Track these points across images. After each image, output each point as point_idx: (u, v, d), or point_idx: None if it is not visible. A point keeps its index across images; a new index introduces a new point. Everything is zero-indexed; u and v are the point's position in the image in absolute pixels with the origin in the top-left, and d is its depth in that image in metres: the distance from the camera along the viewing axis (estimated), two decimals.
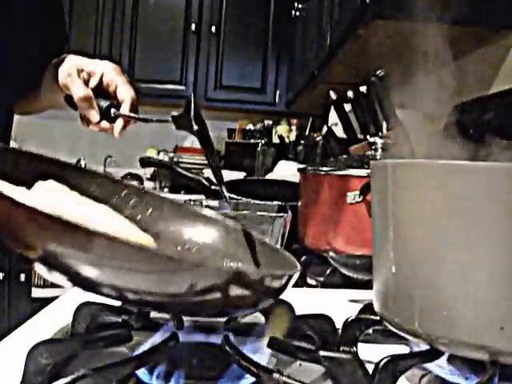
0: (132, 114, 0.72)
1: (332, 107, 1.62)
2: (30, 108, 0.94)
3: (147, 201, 0.59)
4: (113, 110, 0.72)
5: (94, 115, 0.72)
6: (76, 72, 0.73)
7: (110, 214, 0.54)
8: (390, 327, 0.46)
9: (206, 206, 0.62)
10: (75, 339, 0.46)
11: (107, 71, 0.73)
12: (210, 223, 0.58)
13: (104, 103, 0.73)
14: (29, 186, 0.54)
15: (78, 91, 0.72)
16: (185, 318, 0.50)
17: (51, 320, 0.58)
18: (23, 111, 0.93)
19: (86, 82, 0.73)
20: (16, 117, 0.87)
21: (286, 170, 1.66)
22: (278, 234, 0.60)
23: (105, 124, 0.73)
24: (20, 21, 0.78)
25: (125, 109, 0.72)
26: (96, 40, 3.10)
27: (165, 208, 0.59)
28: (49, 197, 0.52)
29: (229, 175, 1.57)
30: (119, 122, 0.72)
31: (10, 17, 0.76)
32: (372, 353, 0.47)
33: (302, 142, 2.56)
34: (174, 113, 0.61)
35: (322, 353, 0.42)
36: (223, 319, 0.49)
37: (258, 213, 0.63)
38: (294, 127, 3.26)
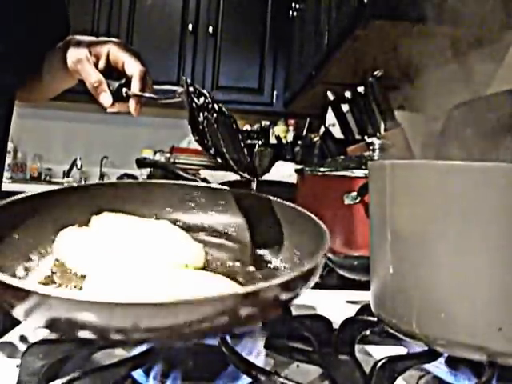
0: (141, 93, 0.71)
1: (329, 108, 1.61)
2: (32, 96, 0.93)
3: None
4: (124, 90, 0.72)
5: (107, 98, 0.72)
6: (85, 57, 0.73)
7: (170, 228, 0.58)
8: (388, 328, 0.46)
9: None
10: (71, 340, 0.45)
11: (112, 49, 0.73)
12: None
13: (114, 84, 0.72)
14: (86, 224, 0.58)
15: (89, 77, 0.72)
16: None
17: None
18: (26, 99, 0.92)
19: (95, 65, 0.73)
20: (13, 117, 0.86)
21: (284, 171, 1.65)
22: None
23: (119, 105, 0.73)
24: (18, 5, 0.77)
25: (135, 85, 0.71)
26: None
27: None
28: (111, 227, 0.56)
29: (226, 176, 1.56)
30: (132, 101, 0.72)
31: (7, 2, 0.75)
32: (369, 354, 0.47)
33: (300, 142, 2.56)
34: (180, 89, 0.62)
35: (319, 354, 0.41)
36: None
37: None
38: (291, 128, 3.26)
